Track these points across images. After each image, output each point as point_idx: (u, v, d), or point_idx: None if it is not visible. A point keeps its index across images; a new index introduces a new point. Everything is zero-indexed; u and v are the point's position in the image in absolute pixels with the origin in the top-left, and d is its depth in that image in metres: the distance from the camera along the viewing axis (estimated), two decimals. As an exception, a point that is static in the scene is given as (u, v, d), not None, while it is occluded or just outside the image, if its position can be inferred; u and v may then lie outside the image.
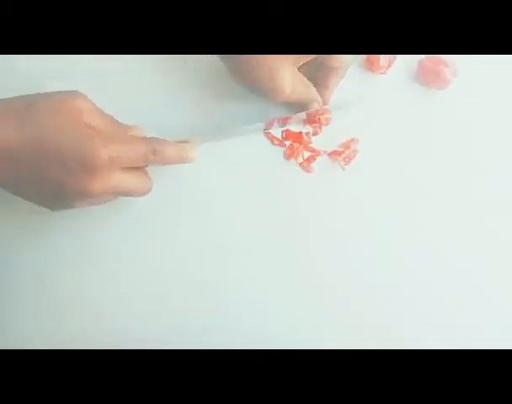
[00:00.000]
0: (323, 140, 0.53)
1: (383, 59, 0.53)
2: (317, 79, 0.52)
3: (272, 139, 0.53)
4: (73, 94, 0.44)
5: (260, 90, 0.50)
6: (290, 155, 0.52)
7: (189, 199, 0.53)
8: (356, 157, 0.53)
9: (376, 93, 0.54)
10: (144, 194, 0.48)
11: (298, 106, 0.52)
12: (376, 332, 0.52)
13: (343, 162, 0.52)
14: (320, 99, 0.52)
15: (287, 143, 0.53)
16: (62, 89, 0.45)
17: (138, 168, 0.47)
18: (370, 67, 0.53)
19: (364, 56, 0.54)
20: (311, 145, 0.53)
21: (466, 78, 0.53)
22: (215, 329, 0.52)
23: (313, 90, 0.52)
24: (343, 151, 0.52)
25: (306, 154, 0.53)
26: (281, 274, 0.52)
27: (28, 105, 0.43)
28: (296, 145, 0.53)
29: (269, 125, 0.52)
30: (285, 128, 0.53)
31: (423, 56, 0.54)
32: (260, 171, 0.53)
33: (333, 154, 0.52)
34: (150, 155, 0.45)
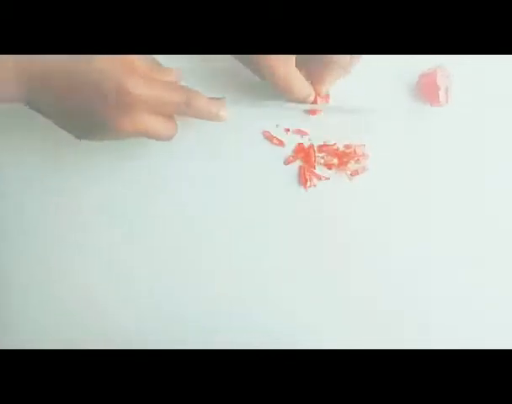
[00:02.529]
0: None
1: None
2: (314, 73, 0.51)
3: (271, 138, 0.53)
4: None
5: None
6: (304, 182, 0.53)
7: (189, 199, 0.53)
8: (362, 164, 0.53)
9: (381, 106, 0.54)
10: (168, 139, 0.48)
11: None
12: (375, 332, 0.52)
13: (349, 172, 0.53)
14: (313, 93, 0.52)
15: (299, 163, 0.53)
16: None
17: (168, 115, 0.47)
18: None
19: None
20: (318, 162, 0.53)
21: (468, 88, 0.53)
22: (216, 329, 0.52)
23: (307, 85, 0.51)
24: (348, 161, 0.52)
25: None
26: (281, 274, 0.52)
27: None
28: (305, 166, 0.53)
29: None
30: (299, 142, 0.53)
31: (420, 73, 0.54)
32: (260, 170, 0.53)
33: (341, 164, 0.53)
34: (183, 105, 0.46)
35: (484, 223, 0.53)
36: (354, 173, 0.53)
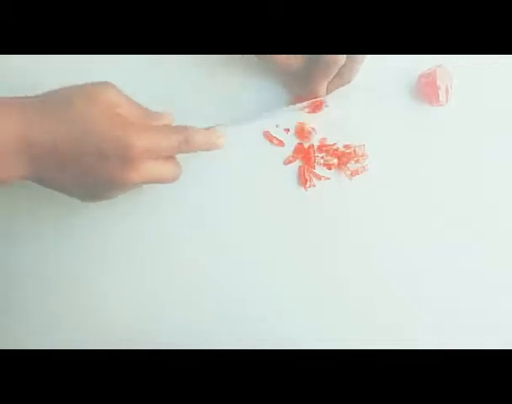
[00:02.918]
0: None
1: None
2: (311, 71, 0.51)
3: (271, 139, 0.53)
4: (104, 85, 0.45)
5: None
6: (304, 182, 0.53)
7: (189, 199, 0.53)
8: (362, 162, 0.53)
9: (381, 106, 0.54)
10: (174, 180, 0.49)
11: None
12: (375, 332, 0.52)
13: (349, 172, 0.53)
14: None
15: (299, 163, 0.53)
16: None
17: (169, 156, 0.48)
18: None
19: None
20: (318, 162, 0.53)
21: (468, 88, 0.53)
22: (216, 329, 0.52)
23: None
24: (348, 161, 0.52)
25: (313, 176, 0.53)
26: (281, 274, 0.52)
27: (62, 99, 0.44)
28: (305, 166, 0.53)
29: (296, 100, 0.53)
30: (298, 142, 0.53)
31: (420, 73, 0.53)
32: (260, 170, 0.53)
33: (341, 164, 0.53)
34: (182, 144, 0.46)
35: (484, 223, 0.53)
36: (354, 173, 0.53)
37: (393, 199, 0.53)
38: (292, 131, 0.53)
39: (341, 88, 0.53)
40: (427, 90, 0.53)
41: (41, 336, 0.52)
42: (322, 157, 0.53)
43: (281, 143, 0.53)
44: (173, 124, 0.48)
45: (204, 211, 0.53)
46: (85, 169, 0.44)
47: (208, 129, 0.49)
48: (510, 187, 0.53)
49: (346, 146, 0.53)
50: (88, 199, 0.48)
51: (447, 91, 0.53)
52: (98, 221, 0.53)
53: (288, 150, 0.53)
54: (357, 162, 0.53)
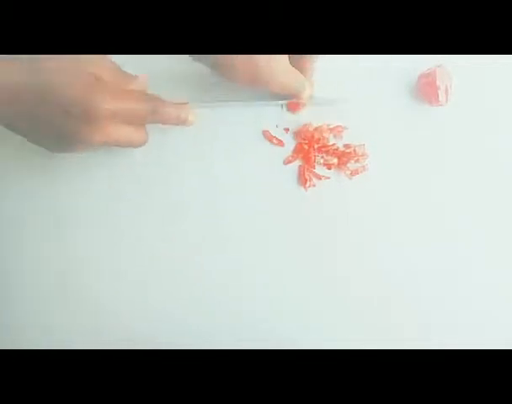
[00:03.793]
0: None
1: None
2: (294, 62, 0.51)
3: (271, 139, 0.53)
4: None
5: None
6: (303, 182, 0.53)
7: (189, 199, 0.53)
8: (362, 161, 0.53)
9: (381, 106, 0.54)
10: (140, 145, 0.49)
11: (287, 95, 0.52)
12: (375, 332, 0.52)
13: (349, 172, 0.53)
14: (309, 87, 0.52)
15: (299, 163, 0.53)
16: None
17: (138, 124, 0.48)
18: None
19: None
20: (318, 162, 0.53)
21: (468, 88, 0.53)
22: (216, 329, 0.52)
23: (302, 78, 0.51)
24: (348, 161, 0.52)
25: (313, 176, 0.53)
26: (281, 274, 0.52)
27: (34, 60, 0.44)
28: (305, 166, 0.53)
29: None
30: (298, 142, 0.53)
31: (420, 73, 0.53)
32: (260, 170, 0.53)
33: (341, 164, 0.53)
34: (149, 114, 0.47)
35: (484, 222, 0.53)
36: (354, 173, 0.53)
37: (393, 199, 0.53)
38: (292, 131, 0.53)
39: (341, 89, 0.53)
40: (427, 90, 0.53)
41: (38, 336, 0.52)
42: (322, 157, 0.53)
43: (281, 143, 0.53)
44: (146, 90, 0.48)
45: (203, 211, 0.53)
46: (46, 120, 0.44)
47: (179, 103, 0.49)
48: (510, 187, 0.53)
49: (346, 146, 0.53)
50: (53, 148, 0.48)
51: (447, 91, 0.53)
52: (97, 221, 0.53)
53: (288, 150, 0.53)
54: (357, 161, 0.53)
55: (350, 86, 0.53)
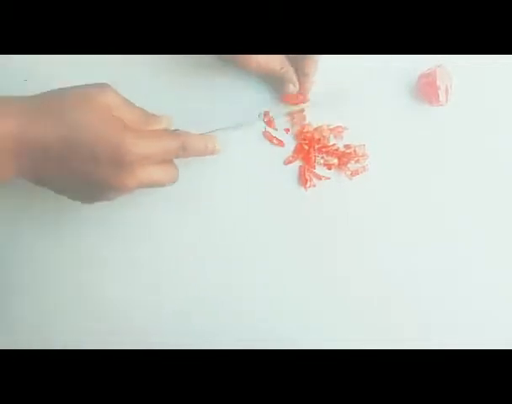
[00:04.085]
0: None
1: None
2: (297, 66, 0.52)
3: (271, 139, 0.53)
4: (101, 88, 0.45)
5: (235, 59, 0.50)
6: (304, 182, 0.53)
7: (189, 199, 0.53)
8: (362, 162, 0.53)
9: (381, 106, 0.54)
10: (172, 183, 0.48)
11: (274, 82, 0.52)
12: (375, 332, 0.52)
13: (349, 172, 0.53)
14: (296, 82, 0.52)
15: (299, 163, 0.53)
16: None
17: (167, 160, 0.47)
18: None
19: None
20: (318, 163, 0.53)
21: (468, 88, 0.53)
22: (216, 329, 0.52)
23: (290, 70, 0.51)
24: (348, 161, 0.52)
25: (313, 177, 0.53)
26: (281, 274, 0.52)
27: (57, 101, 0.43)
28: (305, 166, 0.53)
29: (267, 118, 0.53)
30: (298, 142, 0.53)
31: (420, 73, 0.53)
32: (260, 170, 0.53)
33: (341, 164, 0.53)
34: (180, 150, 0.46)
35: (485, 222, 0.53)
36: (354, 173, 0.53)
37: (393, 199, 0.53)
38: (292, 131, 0.53)
39: (341, 89, 0.53)
40: (427, 90, 0.53)
41: (37, 336, 0.52)
42: (323, 157, 0.53)
43: (281, 143, 0.53)
44: (171, 128, 0.48)
45: (204, 211, 0.53)
46: (78, 172, 0.43)
47: (205, 135, 0.49)
48: (510, 187, 0.53)
49: (346, 146, 0.53)
50: (84, 200, 0.47)
51: (447, 91, 0.53)
52: (96, 221, 0.53)
53: (288, 150, 0.53)
54: (357, 162, 0.53)
55: (350, 86, 0.53)
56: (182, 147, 0.46)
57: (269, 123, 0.53)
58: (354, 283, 0.52)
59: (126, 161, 0.43)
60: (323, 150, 0.53)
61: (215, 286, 0.52)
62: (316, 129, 0.53)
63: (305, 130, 0.53)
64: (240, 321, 0.52)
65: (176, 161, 0.49)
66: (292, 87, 0.52)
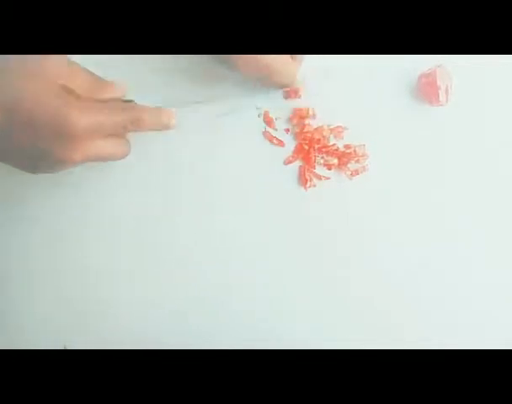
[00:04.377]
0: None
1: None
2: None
3: (271, 139, 0.53)
4: (48, 56, 0.42)
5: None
6: (304, 182, 0.53)
7: (189, 200, 0.53)
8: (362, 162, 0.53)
9: (381, 106, 0.54)
10: (123, 157, 0.47)
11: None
12: (375, 332, 0.52)
13: (349, 172, 0.53)
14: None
15: (299, 163, 0.53)
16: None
17: (118, 134, 0.46)
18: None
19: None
20: (318, 163, 0.53)
21: (468, 88, 0.53)
22: (216, 329, 0.52)
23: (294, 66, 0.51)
24: (348, 161, 0.52)
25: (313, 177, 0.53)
26: (281, 274, 0.52)
27: (1, 70, 0.41)
28: (305, 166, 0.53)
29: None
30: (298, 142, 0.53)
31: (420, 73, 0.53)
32: (260, 170, 0.53)
33: (341, 164, 0.53)
34: (129, 124, 0.44)
35: (485, 222, 0.53)
36: (354, 173, 0.53)
37: (393, 199, 0.53)
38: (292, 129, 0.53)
39: (341, 88, 0.53)
40: (427, 90, 0.53)
41: (36, 336, 0.52)
42: (323, 157, 0.53)
43: (281, 143, 0.53)
44: (124, 97, 0.46)
45: (203, 211, 0.53)
46: (19, 140, 0.41)
47: (161, 108, 0.47)
48: (510, 187, 0.53)
49: (346, 146, 0.53)
50: (27, 169, 0.45)
51: (447, 91, 0.53)
52: (94, 219, 0.53)
53: (288, 150, 0.53)
54: (357, 162, 0.53)
55: (350, 86, 0.53)
56: (132, 121, 0.44)
57: (269, 123, 0.53)
58: (354, 283, 0.52)
59: (71, 133, 0.41)
60: (323, 150, 0.53)
61: (214, 286, 0.52)
62: (316, 129, 0.53)
63: (305, 130, 0.53)
64: (240, 321, 0.52)
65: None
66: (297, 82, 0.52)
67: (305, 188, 0.53)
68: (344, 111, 0.53)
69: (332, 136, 0.53)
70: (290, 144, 0.53)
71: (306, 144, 0.53)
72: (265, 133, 0.53)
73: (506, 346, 0.50)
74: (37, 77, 0.41)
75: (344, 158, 0.53)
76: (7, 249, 0.53)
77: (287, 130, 0.53)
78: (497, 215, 0.53)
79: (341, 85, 0.53)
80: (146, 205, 0.53)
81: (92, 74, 0.45)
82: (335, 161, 0.53)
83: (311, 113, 0.53)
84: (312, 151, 0.53)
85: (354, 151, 0.53)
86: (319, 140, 0.53)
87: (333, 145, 0.53)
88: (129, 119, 0.44)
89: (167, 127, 0.47)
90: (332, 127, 0.53)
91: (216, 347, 0.49)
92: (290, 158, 0.53)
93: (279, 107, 0.53)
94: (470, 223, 0.53)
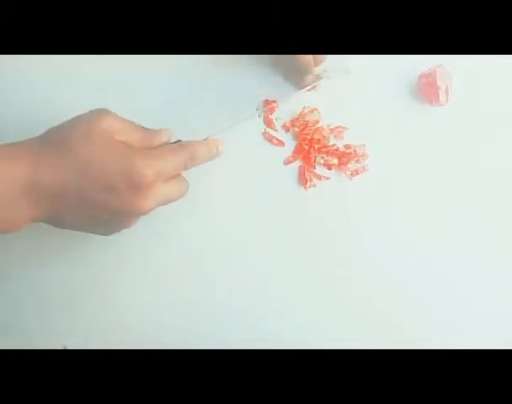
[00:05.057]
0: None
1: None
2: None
3: (271, 139, 0.53)
4: (99, 114, 0.44)
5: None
6: (304, 182, 0.53)
7: (189, 200, 0.53)
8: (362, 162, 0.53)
9: (381, 106, 0.54)
10: (184, 195, 0.48)
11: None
12: (375, 332, 0.52)
13: (349, 172, 0.53)
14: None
15: (299, 163, 0.53)
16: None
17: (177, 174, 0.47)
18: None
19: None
20: (318, 163, 0.53)
21: (468, 88, 0.53)
22: (216, 329, 0.52)
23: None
24: (348, 161, 0.52)
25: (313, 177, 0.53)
26: (281, 274, 0.52)
27: (61, 140, 0.43)
28: (305, 166, 0.53)
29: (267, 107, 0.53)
30: (297, 142, 0.53)
31: (420, 73, 0.53)
32: (260, 170, 0.53)
33: (341, 164, 0.53)
34: (188, 162, 0.46)
35: (484, 222, 0.53)
36: (354, 173, 0.53)
37: (393, 199, 0.53)
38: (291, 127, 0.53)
39: (341, 88, 0.53)
40: (427, 90, 0.53)
41: (36, 336, 0.52)
42: (323, 157, 0.53)
43: (281, 143, 0.53)
44: (171, 140, 0.47)
45: (203, 211, 0.53)
46: (97, 206, 0.43)
47: (208, 139, 0.49)
48: (510, 187, 0.53)
49: (346, 146, 0.53)
50: (108, 232, 0.47)
51: (447, 91, 0.53)
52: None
53: (288, 150, 0.53)
54: (357, 162, 0.53)
55: (350, 86, 0.53)
56: (190, 158, 0.46)
57: (269, 123, 0.53)
58: (354, 283, 0.52)
59: (142, 183, 0.43)
60: (323, 150, 0.53)
61: (214, 286, 0.52)
62: (316, 129, 0.53)
63: (305, 131, 0.53)
64: (240, 321, 0.52)
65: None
66: (312, 78, 0.52)
67: (305, 188, 0.53)
68: (344, 111, 0.53)
69: (332, 136, 0.53)
70: (290, 144, 0.53)
71: (306, 144, 0.53)
72: (265, 133, 0.53)
73: (506, 346, 0.50)
74: (98, 139, 0.43)
75: (344, 158, 0.53)
76: (7, 249, 0.53)
77: (287, 129, 0.53)
78: (497, 215, 0.53)
79: (341, 85, 0.53)
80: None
81: (139, 126, 0.46)
82: (335, 161, 0.53)
83: (317, 117, 0.53)
84: (312, 151, 0.53)
85: (354, 151, 0.53)
86: (319, 140, 0.53)
87: (333, 145, 0.53)
88: (187, 157, 0.46)
89: (217, 156, 0.49)
90: (332, 127, 0.53)
91: (216, 347, 0.49)
92: (290, 158, 0.53)
93: (281, 107, 0.53)
94: (470, 223, 0.53)
